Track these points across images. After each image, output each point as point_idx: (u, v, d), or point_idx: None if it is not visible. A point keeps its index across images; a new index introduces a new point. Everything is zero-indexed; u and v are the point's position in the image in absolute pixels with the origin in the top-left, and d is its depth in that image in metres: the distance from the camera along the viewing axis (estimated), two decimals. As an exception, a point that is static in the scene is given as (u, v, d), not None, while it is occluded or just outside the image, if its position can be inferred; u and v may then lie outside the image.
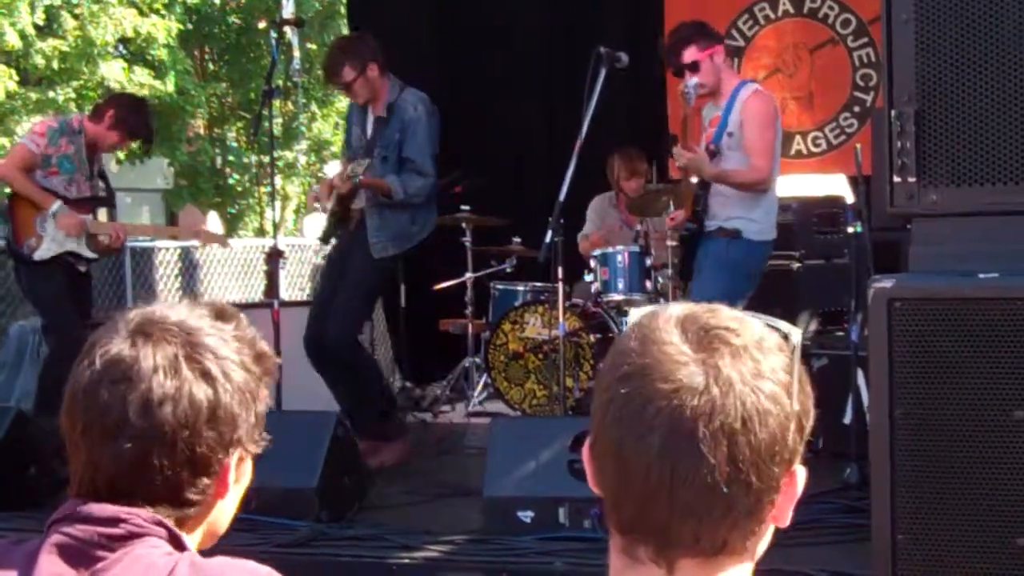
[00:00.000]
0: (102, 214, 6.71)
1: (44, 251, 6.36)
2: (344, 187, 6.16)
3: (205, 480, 1.53)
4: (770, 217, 5.69)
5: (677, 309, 1.30)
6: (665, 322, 1.27)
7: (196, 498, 1.54)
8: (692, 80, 5.59)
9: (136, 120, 6.66)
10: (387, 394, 6.57)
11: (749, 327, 1.28)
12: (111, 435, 1.49)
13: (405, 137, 6.06)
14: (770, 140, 5.61)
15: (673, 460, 1.21)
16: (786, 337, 1.30)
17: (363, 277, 6.20)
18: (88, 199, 6.56)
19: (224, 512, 1.62)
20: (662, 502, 1.22)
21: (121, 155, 16.55)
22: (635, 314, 1.32)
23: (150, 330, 1.53)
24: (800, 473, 1.29)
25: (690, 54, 5.60)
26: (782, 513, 1.29)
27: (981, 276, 3.07)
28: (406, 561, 4.26)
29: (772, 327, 1.30)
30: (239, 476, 1.60)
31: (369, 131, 6.23)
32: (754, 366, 1.24)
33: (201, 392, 1.51)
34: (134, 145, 7.93)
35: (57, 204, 6.36)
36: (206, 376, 1.52)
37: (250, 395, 1.56)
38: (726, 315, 1.29)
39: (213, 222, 21.54)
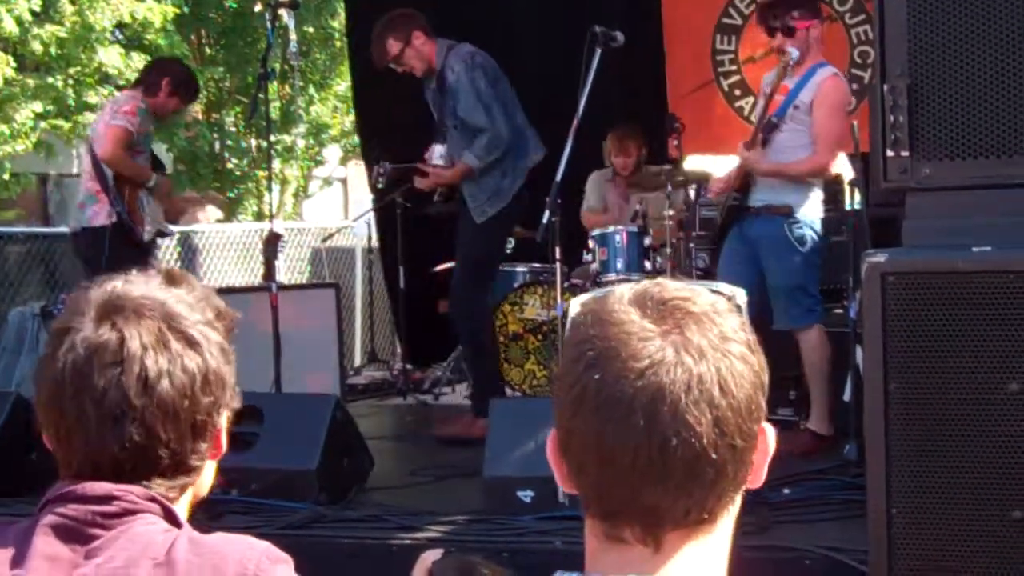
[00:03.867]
0: None
1: (148, 232, 6.50)
2: (423, 185, 6.32)
3: (203, 444, 1.56)
4: (817, 196, 5.66)
5: (624, 289, 1.30)
6: (618, 302, 1.27)
7: (197, 464, 1.56)
8: (795, 50, 5.50)
9: (191, 81, 6.82)
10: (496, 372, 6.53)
11: (700, 294, 1.29)
12: (113, 419, 1.49)
13: (456, 102, 6.08)
14: (838, 130, 5.57)
15: (661, 436, 1.21)
16: (730, 299, 1.31)
17: (469, 248, 6.23)
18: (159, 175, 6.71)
19: (210, 473, 1.64)
20: (654, 481, 1.22)
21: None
22: (575, 304, 1.33)
23: (122, 308, 1.52)
24: (769, 431, 1.30)
25: (794, 18, 5.54)
26: (757, 473, 1.30)
27: (975, 250, 3.07)
28: (406, 542, 4.27)
29: (716, 292, 1.31)
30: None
31: (436, 105, 6.27)
32: (718, 330, 1.25)
33: (192, 361, 1.53)
34: None
35: (155, 176, 6.50)
36: (192, 344, 1.53)
37: (227, 352, 1.58)
38: (675, 286, 1.29)
39: (213, 215, 21.53)
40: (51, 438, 1.55)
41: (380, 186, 6.75)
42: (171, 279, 1.59)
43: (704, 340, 1.23)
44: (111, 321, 1.51)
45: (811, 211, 5.63)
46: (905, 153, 3.15)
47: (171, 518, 1.53)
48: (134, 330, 1.51)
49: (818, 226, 5.65)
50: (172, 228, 6.86)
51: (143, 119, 6.45)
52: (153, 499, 1.52)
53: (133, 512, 1.50)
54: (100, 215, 6.38)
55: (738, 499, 1.30)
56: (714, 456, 1.22)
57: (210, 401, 1.55)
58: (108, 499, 1.49)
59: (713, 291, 1.31)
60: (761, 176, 5.55)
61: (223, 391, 1.57)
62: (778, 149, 5.56)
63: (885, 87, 3.19)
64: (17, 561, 1.48)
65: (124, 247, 6.32)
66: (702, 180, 6.83)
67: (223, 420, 1.59)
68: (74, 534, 1.48)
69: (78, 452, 1.52)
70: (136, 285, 1.56)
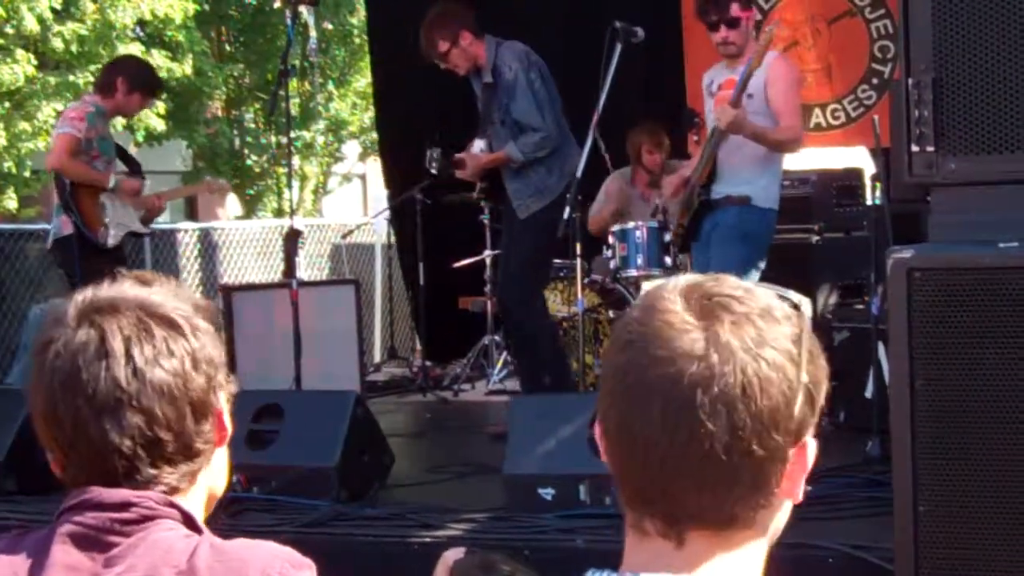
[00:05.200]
0: None
1: (113, 237, 6.48)
2: (464, 175, 6.36)
3: (206, 426, 1.55)
4: (775, 185, 5.65)
5: (684, 279, 1.29)
6: (670, 292, 1.26)
7: (203, 447, 1.55)
8: (772, 27, 5.51)
9: (147, 74, 6.77)
10: (560, 371, 6.37)
11: (755, 296, 1.26)
12: (111, 411, 1.48)
13: (510, 99, 6.09)
14: (797, 102, 5.60)
15: (673, 428, 1.20)
16: (796, 307, 1.28)
17: (518, 245, 6.23)
18: (127, 175, 6.66)
19: (221, 466, 1.63)
20: (666, 473, 1.21)
21: (140, 137, 16.59)
22: (645, 287, 1.32)
23: (99, 308, 1.52)
24: (811, 446, 1.27)
25: (735, 9, 5.55)
26: (793, 487, 1.27)
27: (1001, 245, 3.03)
28: (427, 540, 4.26)
29: (783, 297, 1.29)
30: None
31: (481, 100, 6.28)
32: (757, 334, 1.23)
33: (177, 344, 1.52)
34: (154, 124, 7.97)
35: (113, 178, 6.46)
36: (174, 326, 1.53)
37: (212, 334, 1.58)
38: (731, 284, 1.27)
39: (231, 204, 21.59)
40: (55, 454, 1.54)
41: (433, 171, 6.72)
42: (142, 281, 1.59)
43: (736, 340, 1.21)
44: (89, 321, 1.51)
45: (772, 202, 5.60)
46: (930, 148, 3.12)
47: (191, 523, 1.51)
48: (114, 325, 1.50)
49: (774, 217, 5.62)
50: (145, 228, 6.77)
51: (93, 123, 6.41)
52: (171, 504, 1.50)
53: (152, 518, 1.48)
54: (67, 225, 6.40)
55: (777, 506, 1.27)
56: (725, 458, 1.20)
57: (204, 379, 1.54)
58: (126, 506, 1.48)
59: (781, 296, 1.30)
60: (748, 135, 5.47)
61: (215, 370, 1.56)
62: (739, 141, 5.53)
63: (910, 81, 3.15)
64: (35, 571, 1.47)
65: (93, 254, 6.36)
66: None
67: (222, 401, 1.58)
68: (93, 542, 1.47)
69: (84, 458, 1.51)
70: (107, 289, 1.56)
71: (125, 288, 1.56)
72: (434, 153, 6.69)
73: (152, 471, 1.51)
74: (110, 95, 6.54)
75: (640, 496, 1.25)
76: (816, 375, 1.27)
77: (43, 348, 1.52)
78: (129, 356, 1.49)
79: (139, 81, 6.60)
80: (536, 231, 6.10)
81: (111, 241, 6.44)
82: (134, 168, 6.84)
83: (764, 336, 1.23)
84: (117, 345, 1.49)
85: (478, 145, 6.32)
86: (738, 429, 1.20)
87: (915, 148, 3.15)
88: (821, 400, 1.27)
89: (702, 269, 5.49)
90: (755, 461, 1.21)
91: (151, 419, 1.50)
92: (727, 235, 5.55)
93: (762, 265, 5.55)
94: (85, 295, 1.55)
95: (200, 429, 1.54)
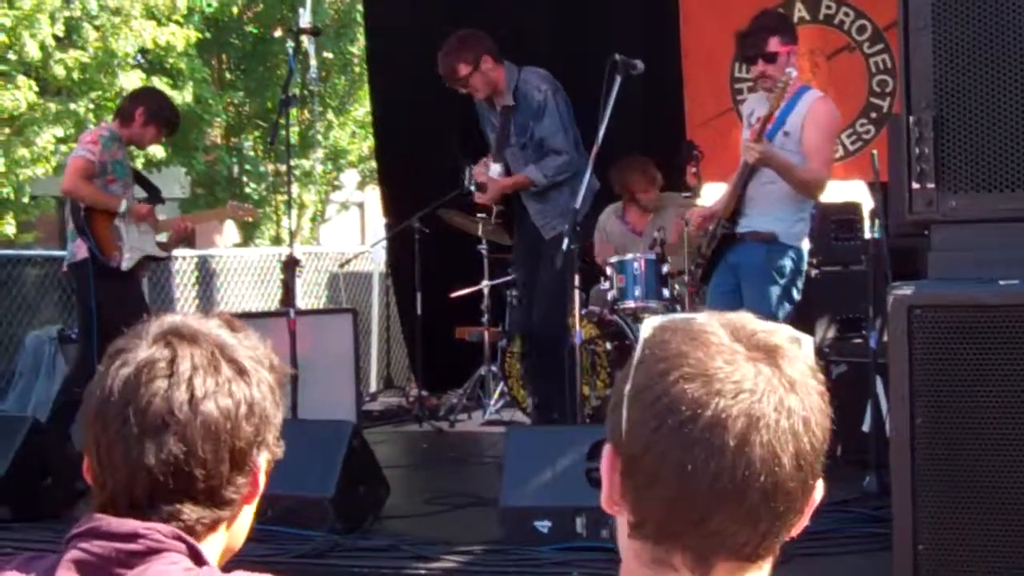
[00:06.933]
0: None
1: (128, 260, 6.46)
2: (484, 200, 6.33)
3: (241, 479, 1.54)
4: (802, 224, 5.56)
5: (710, 316, 1.30)
6: (707, 324, 1.28)
7: (232, 497, 1.54)
8: (792, 69, 5.41)
9: (167, 109, 6.80)
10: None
11: (784, 330, 1.30)
12: (155, 431, 1.49)
13: (537, 120, 6.11)
14: (830, 148, 5.56)
15: (747, 460, 1.20)
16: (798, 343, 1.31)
17: (547, 272, 6.16)
18: (146, 200, 6.67)
19: (246, 521, 1.62)
20: (728, 506, 1.21)
21: (139, 163, 16.60)
22: (648, 324, 1.31)
23: (179, 333, 1.55)
24: (819, 483, 1.29)
25: (774, 44, 5.44)
26: (803, 521, 1.30)
27: (1001, 283, 3.03)
28: (422, 572, 4.25)
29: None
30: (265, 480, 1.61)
31: (498, 124, 6.27)
32: (803, 366, 1.26)
33: (240, 389, 1.53)
34: (154, 151, 7.98)
35: (124, 202, 6.45)
36: (242, 373, 1.55)
37: (276, 393, 1.59)
38: (755, 318, 1.30)
39: (229, 230, 21.60)
40: (91, 455, 1.54)
41: (472, 188, 6.61)
42: (231, 326, 1.61)
43: (795, 373, 1.25)
44: (166, 341, 1.54)
45: (797, 239, 5.53)
46: (931, 185, 3.12)
47: (195, 556, 1.50)
48: (187, 351, 1.53)
49: (802, 255, 5.55)
50: (163, 252, 6.78)
51: (107, 147, 6.42)
52: (179, 537, 1.49)
53: (158, 551, 1.47)
54: (82, 249, 6.41)
55: (778, 547, 1.29)
56: (790, 488, 1.22)
57: (252, 431, 1.54)
58: (133, 537, 1.47)
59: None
60: (775, 168, 5.40)
61: (267, 427, 1.56)
62: (769, 177, 5.48)
63: (911, 119, 3.16)
64: None
65: (107, 277, 6.36)
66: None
67: (263, 461, 1.58)
68: (97, 572, 1.46)
69: (117, 467, 1.50)
70: (194, 320, 1.58)
71: (211, 324, 1.58)
72: (472, 169, 6.54)
73: (174, 506, 1.50)
74: (128, 124, 6.57)
75: (678, 529, 1.24)
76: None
77: (114, 355, 1.54)
78: (190, 384, 1.50)
79: (157, 115, 6.63)
80: (560, 251, 6.02)
81: (125, 264, 6.45)
82: (153, 193, 6.85)
83: (808, 368, 1.27)
84: (183, 370, 1.51)
85: (495, 169, 6.31)
86: (800, 458, 1.22)
87: (916, 185, 3.16)
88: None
89: (720, 298, 5.49)
90: (806, 490, 1.25)
91: (190, 452, 1.50)
92: (757, 276, 5.46)
93: (796, 299, 5.50)
94: (172, 319, 1.57)
95: (233, 478, 1.54)
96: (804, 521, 1.29)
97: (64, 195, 6.39)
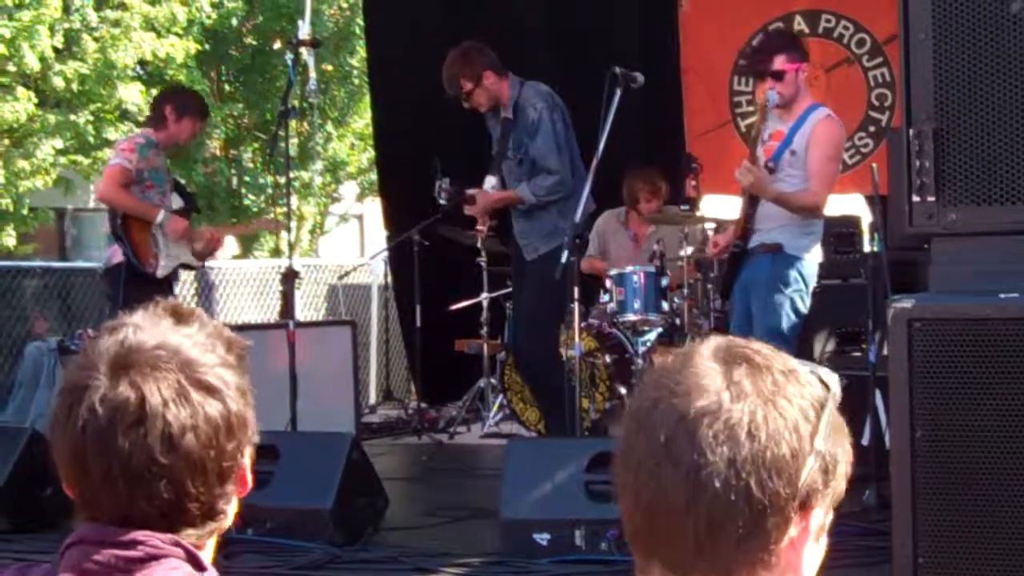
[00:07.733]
0: None
1: (163, 268, 6.49)
2: (475, 211, 6.36)
3: (230, 486, 1.54)
4: (808, 238, 5.52)
5: (723, 338, 1.32)
6: (704, 345, 1.29)
7: (225, 506, 1.54)
8: (772, 91, 5.44)
9: (193, 98, 6.86)
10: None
11: (783, 359, 1.28)
12: (141, 479, 1.47)
13: (530, 138, 6.11)
14: (833, 170, 5.54)
15: (675, 456, 1.20)
16: (825, 385, 1.29)
17: (528, 292, 6.23)
18: (182, 210, 6.67)
19: (234, 507, 1.61)
20: (667, 509, 1.21)
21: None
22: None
23: (137, 362, 1.49)
24: (817, 516, 1.26)
25: (780, 62, 5.45)
26: (797, 558, 1.25)
27: (1002, 296, 3.04)
28: (421, 584, 4.24)
29: (813, 373, 1.29)
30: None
31: (498, 136, 6.30)
32: (774, 385, 1.24)
33: (214, 409, 1.50)
34: None
35: (163, 213, 6.45)
36: (211, 391, 1.50)
37: (245, 390, 1.55)
38: (763, 347, 1.29)
39: (228, 243, 21.58)
40: (74, 491, 1.53)
41: (442, 202, 6.63)
42: (179, 316, 1.56)
43: (751, 386, 1.23)
44: (128, 378, 1.48)
45: (803, 251, 5.49)
46: (931, 198, 3.13)
47: (194, 562, 1.50)
48: (152, 386, 1.48)
49: (809, 267, 5.50)
50: (198, 262, 6.85)
51: (144, 154, 6.43)
52: (177, 543, 1.49)
53: (157, 557, 1.47)
54: (117, 254, 6.45)
55: (780, 569, 1.25)
56: (722, 494, 1.19)
57: (234, 446, 1.53)
58: (132, 544, 1.47)
59: (812, 373, 1.30)
60: (768, 199, 5.42)
61: (245, 432, 1.55)
62: None
63: (911, 132, 3.17)
64: None
65: (140, 284, 6.33)
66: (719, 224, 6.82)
67: (246, 458, 1.57)
68: None
69: (105, 509, 1.49)
70: (146, 331, 1.52)
71: (162, 332, 1.52)
72: (443, 183, 6.57)
73: (171, 536, 1.50)
74: (162, 126, 6.56)
75: (642, 538, 1.25)
76: (835, 449, 1.27)
77: (74, 391, 1.49)
78: (166, 424, 1.47)
79: (187, 107, 6.62)
80: (543, 275, 5.93)
81: (160, 272, 6.47)
82: (188, 202, 6.87)
83: (781, 389, 1.24)
84: (155, 411, 1.47)
85: (490, 182, 6.31)
86: (736, 463, 1.19)
87: (916, 198, 3.16)
88: (838, 478, 1.27)
89: (740, 316, 5.50)
90: (753, 504, 1.20)
91: (180, 492, 1.49)
92: (763, 287, 5.45)
93: (803, 310, 5.45)
94: (122, 338, 1.51)
95: (224, 491, 1.53)
96: (795, 561, 1.25)
97: (100, 201, 6.39)
